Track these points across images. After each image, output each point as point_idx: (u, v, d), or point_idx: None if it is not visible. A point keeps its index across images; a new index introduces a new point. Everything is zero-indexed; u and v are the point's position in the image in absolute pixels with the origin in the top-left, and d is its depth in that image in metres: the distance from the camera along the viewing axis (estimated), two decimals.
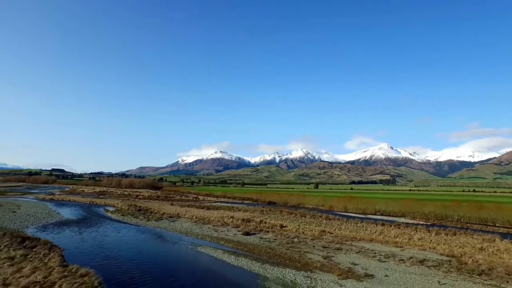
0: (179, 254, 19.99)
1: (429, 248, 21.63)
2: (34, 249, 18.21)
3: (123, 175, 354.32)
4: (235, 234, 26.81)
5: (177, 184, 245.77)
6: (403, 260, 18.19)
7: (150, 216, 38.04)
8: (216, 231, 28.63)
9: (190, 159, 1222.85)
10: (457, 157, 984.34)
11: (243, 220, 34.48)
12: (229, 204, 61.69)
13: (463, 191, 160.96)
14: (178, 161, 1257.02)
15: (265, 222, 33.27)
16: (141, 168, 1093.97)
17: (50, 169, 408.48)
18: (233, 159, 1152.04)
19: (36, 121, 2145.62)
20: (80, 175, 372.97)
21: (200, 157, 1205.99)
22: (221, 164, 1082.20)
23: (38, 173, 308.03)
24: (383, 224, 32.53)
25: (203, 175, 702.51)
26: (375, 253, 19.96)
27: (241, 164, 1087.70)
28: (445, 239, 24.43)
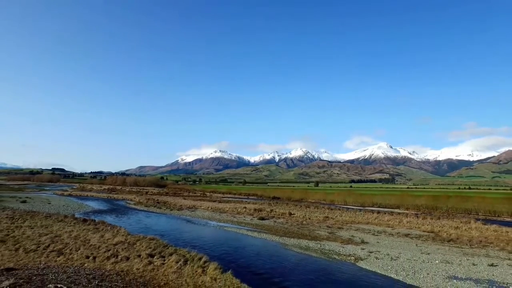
0: (212, 231, 24.68)
1: (415, 227, 26.33)
2: (96, 226, 22.69)
3: (123, 174, 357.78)
4: (251, 219, 31.39)
5: (180, 182, 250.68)
6: (392, 234, 22.90)
7: (171, 207, 42.57)
8: (234, 217, 33.19)
9: (189, 159, 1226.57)
10: (456, 156, 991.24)
11: (255, 209, 39.08)
12: (237, 199, 66.25)
13: (459, 188, 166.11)
14: (178, 160, 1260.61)
15: (275, 211, 37.89)
16: (141, 167, 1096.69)
17: (50, 168, 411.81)
18: (233, 158, 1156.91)
19: (34, 120, 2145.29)
20: (81, 174, 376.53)
21: (199, 157, 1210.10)
22: (220, 163, 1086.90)
23: (39, 172, 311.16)
24: (378, 212, 37.22)
25: (203, 174, 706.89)
26: (370, 230, 24.64)
27: (241, 163, 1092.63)
28: (429, 222, 29.12)
